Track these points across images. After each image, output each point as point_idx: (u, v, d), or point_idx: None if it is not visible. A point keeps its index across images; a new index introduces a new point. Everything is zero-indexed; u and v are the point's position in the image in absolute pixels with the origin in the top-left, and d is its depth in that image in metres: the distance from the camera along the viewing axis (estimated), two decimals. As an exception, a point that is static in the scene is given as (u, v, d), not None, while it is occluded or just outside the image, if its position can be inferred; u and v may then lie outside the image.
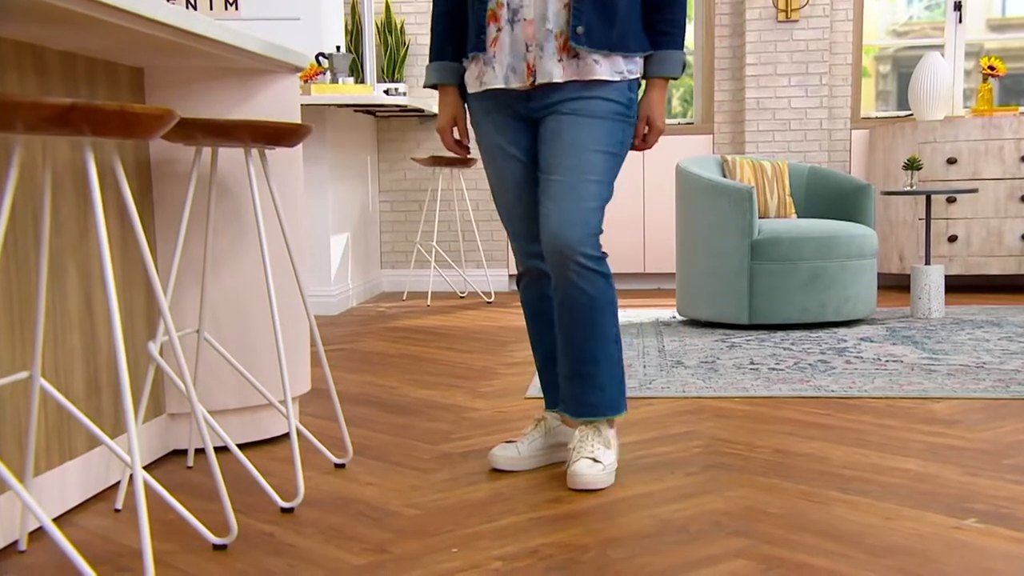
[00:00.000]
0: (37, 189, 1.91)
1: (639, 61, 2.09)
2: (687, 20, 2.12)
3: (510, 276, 6.10)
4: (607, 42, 2.02)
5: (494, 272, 6.08)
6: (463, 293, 5.89)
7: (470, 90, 2.15)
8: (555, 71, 2.02)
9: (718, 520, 1.88)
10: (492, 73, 2.07)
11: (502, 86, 2.07)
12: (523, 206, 2.17)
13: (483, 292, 5.92)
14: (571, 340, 2.11)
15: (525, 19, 2.02)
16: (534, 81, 2.04)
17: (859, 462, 2.24)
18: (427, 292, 5.95)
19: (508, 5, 2.03)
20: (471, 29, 2.09)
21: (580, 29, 2.00)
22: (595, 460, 2.09)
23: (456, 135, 2.23)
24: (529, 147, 2.14)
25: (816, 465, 2.22)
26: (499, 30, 2.05)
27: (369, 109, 5.30)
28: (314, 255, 4.93)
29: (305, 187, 4.89)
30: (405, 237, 6.10)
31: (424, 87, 2.22)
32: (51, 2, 1.55)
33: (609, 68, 2.03)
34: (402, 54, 5.87)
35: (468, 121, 2.60)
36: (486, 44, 2.06)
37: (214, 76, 2.35)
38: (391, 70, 5.85)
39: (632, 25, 2.05)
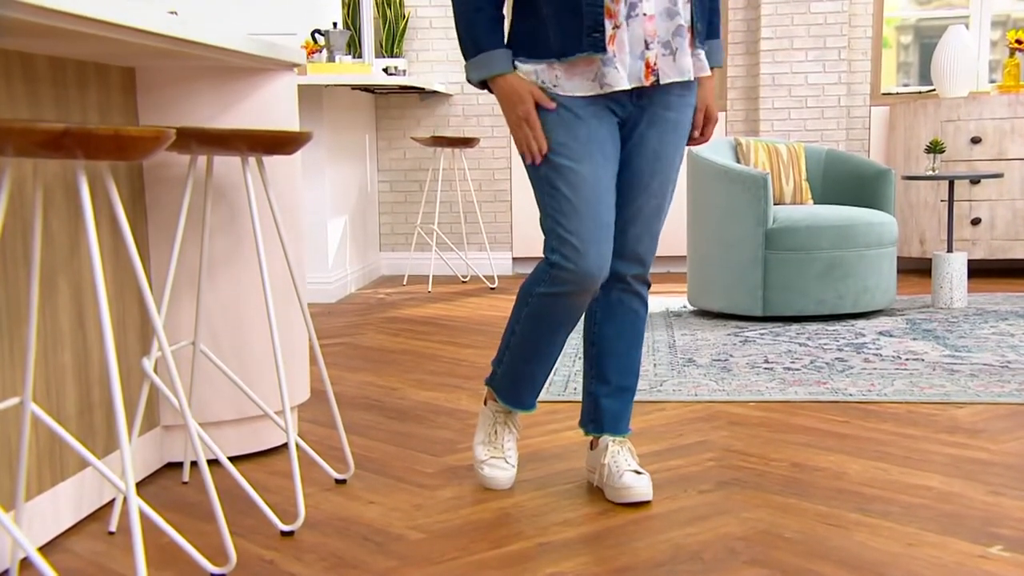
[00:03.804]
0: (27, 204, 1.83)
1: None
2: None
3: (514, 259, 6.00)
4: (706, 38, 2.01)
5: (497, 255, 5.98)
6: (465, 277, 5.80)
7: (578, 93, 1.90)
8: (691, 68, 1.93)
9: (733, 546, 1.81)
10: (617, 74, 1.88)
11: (627, 87, 1.90)
12: (608, 210, 1.94)
13: (485, 276, 5.83)
14: (624, 354, 2.09)
15: (645, 14, 1.87)
16: (657, 81, 1.91)
17: (879, 478, 2.16)
18: (428, 276, 5.86)
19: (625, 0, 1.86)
20: (575, 26, 1.86)
21: (699, 26, 1.94)
22: (638, 472, 2.07)
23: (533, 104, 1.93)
24: (619, 154, 2.00)
25: (834, 482, 2.14)
26: (616, 27, 1.87)
27: (367, 86, 5.17)
28: (311, 240, 4.83)
29: (302, 170, 4.79)
30: (405, 219, 6.00)
31: (477, 82, 1.94)
32: (42, 22, 1.46)
33: (704, 63, 2.00)
34: (401, 27, 5.72)
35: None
36: (604, 43, 1.86)
37: (208, 75, 2.25)
38: (390, 44, 5.71)
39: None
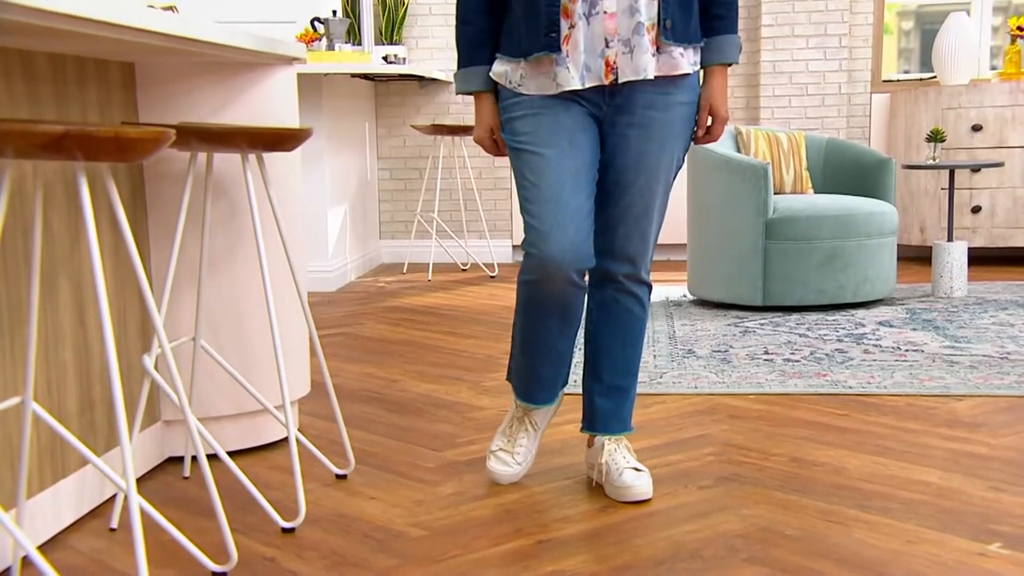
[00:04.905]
0: (28, 203, 1.83)
1: (700, 49, 2.00)
2: None
3: (514, 247, 5.99)
4: (686, 35, 1.93)
5: (497, 243, 5.97)
6: (465, 265, 5.78)
7: (538, 93, 1.93)
8: (649, 66, 1.89)
9: (733, 544, 1.82)
10: (567, 74, 1.89)
11: (579, 87, 1.90)
12: (575, 195, 1.92)
13: (485, 264, 5.82)
14: (619, 353, 2.08)
15: (606, 12, 1.86)
16: (616, 80, 1.89)
17: (879, 473, 2.17)
18: (428, 264, 5.85)
19: None
20: (536, 26, 1.89)
21: (669, 23, 1.89)
22: (638, 470, 2.07)
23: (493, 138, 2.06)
24: (597, 144, 1.98)
25: (834, 477, 2.15)
26: (572, 26, 1.87)
27: (367, 74, 5.14)
28: (311, 229, 4.82)
29: (301, 159, 4.77)
30: (405, 207, 5.98)
31: (458, 93, 2.04)
32: (40, 23, 1.45)
33: (687, 61, 1.95)
34: (401, 14, 5.68)
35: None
36: (559, 43, 1.88)
37: (208, 71, 2.24)
38: (389, 32, 5.67)
39: (697, 14, 1.97)
